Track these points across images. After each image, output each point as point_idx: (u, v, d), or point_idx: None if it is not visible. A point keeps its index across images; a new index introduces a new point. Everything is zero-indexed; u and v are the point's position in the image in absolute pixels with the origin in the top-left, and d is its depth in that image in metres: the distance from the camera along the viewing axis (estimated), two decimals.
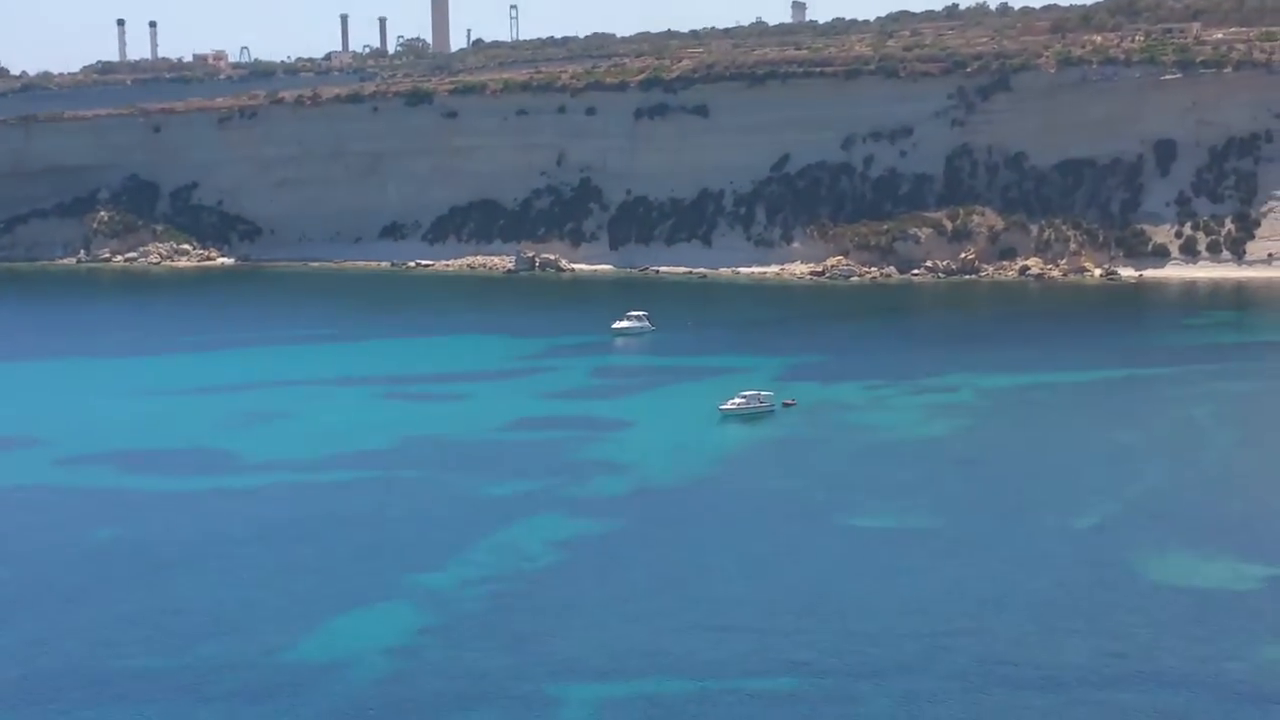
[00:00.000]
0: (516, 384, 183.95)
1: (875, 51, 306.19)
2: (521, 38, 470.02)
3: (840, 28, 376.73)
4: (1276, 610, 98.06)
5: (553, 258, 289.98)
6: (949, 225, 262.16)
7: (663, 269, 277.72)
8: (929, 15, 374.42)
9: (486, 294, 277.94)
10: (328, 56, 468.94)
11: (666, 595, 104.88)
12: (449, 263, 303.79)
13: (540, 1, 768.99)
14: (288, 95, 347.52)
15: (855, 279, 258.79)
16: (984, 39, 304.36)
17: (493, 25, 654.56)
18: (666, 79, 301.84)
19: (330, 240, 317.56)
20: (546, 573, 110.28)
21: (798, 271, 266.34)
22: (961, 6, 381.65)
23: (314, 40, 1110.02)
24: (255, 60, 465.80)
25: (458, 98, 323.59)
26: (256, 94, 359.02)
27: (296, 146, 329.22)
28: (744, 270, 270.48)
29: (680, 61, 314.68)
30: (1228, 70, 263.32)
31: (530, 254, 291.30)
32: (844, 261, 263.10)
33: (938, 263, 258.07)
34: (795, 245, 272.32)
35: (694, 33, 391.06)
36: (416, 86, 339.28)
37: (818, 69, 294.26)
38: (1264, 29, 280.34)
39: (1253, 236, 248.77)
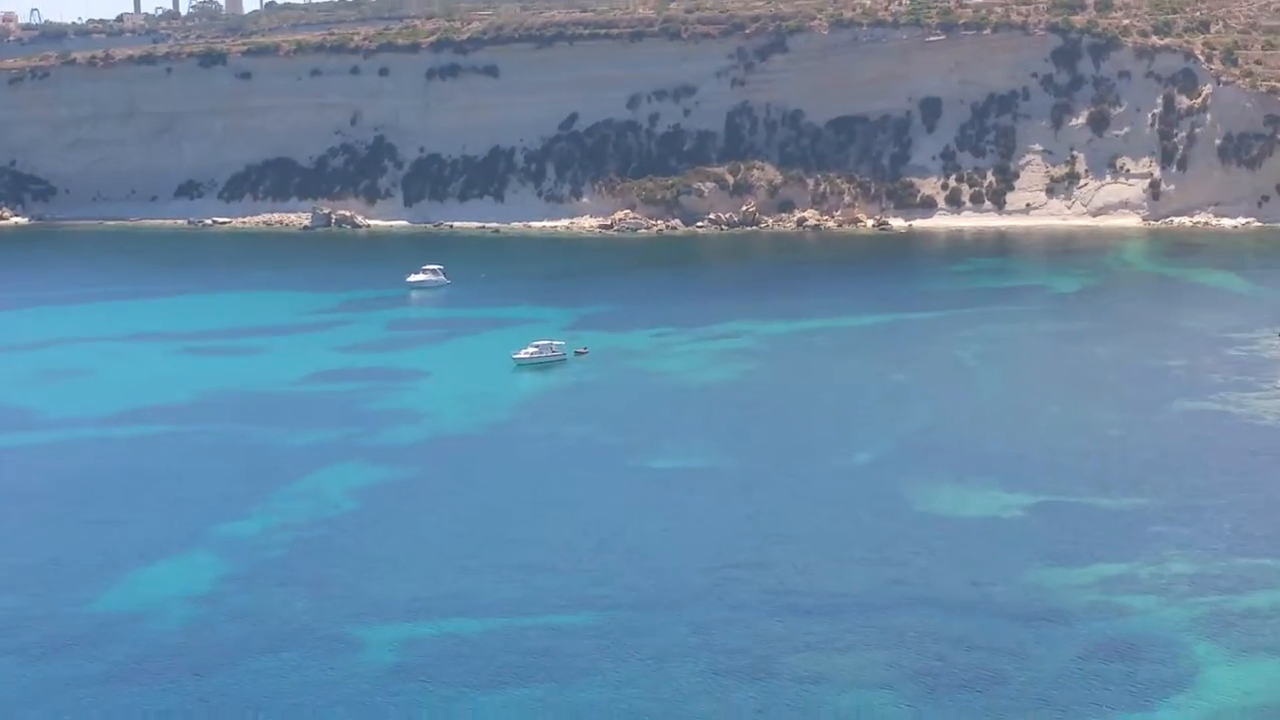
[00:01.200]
0: (314, 338, 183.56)
1: (658, 14, 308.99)
2: (315, 0, 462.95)
3: None
4: (1038, 536, 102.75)
5: (348, 214, 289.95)
6: (730, 180, 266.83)
7: (456, 224, 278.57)
8: None
9: (283, 251, 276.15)
10: (120, 18, 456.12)
11: (467, 537, 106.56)
12: (245, 220, 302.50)
13: None
14: (80, 56, 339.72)
15: (642, 232, 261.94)
16: (761, 3, 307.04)
17: None
18: (457, 40, 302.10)
19: (126, 199, 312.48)
20: (348, 519, 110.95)
21: (587, 225, 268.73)
22: None
23: (106, 2, 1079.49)
24: (46, 22, 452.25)
25: (251, 59, 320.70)
26: (48, 55, 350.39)
27: (90, 107, 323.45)
28: (535, 225, 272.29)
29: (470, 24, 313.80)
30: (987, 32, 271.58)
31: (326, 211, 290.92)
32: (631, 215, 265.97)
33: (720, 215, 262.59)
34: (584, 200, 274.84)
35: None
36: (210, 48, 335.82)
37: (603, 31, 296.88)
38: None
39: (1012, 188, 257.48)
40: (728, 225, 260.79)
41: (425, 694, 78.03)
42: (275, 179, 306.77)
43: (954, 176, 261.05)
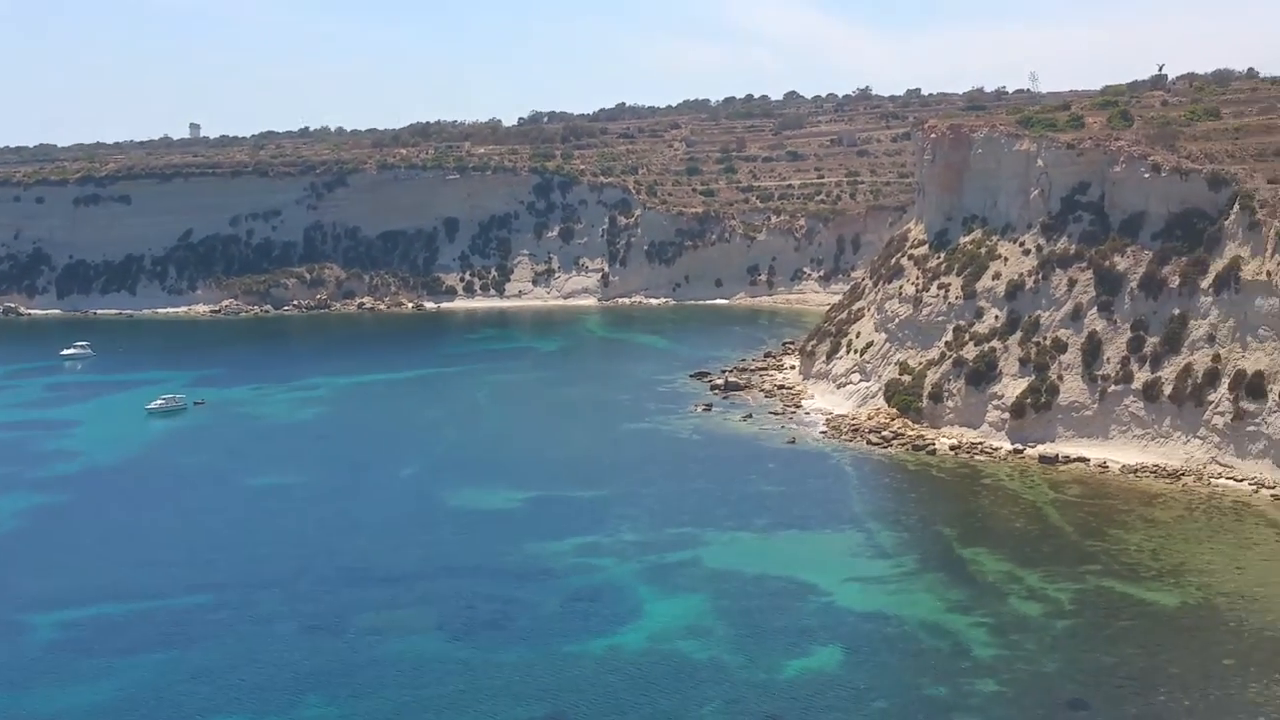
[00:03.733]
0: None
1: (252, 158, 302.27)
2: None
3: (227, 142, 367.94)
4: (534, 519, 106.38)
5: (14, 306, 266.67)
6: (308, 276, 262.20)
7: (99, 312, 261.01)
8: (289, 134, 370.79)
9: None
10: None
11: (112, 543, 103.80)
12: None
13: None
14: None
15: (243, 314, 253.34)
16: (328, 150, 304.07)
17: None
18: (98, 176, 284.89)
19: None
20: (12, 535, 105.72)
21: (201, 311, 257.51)
22: (311, 129, 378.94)
23: None
24: None
25: None
26: None
27: None
28: (161, 311, 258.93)
29: (108, 164, 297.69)
30: (489, 173, 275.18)
31: None
32: (234, 303, 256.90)
33: (300, 302, 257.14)
34: (199, 292, 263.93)
35: (118, 144, 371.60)
36: None
37: (211, 169, 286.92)
38: (511, 146, 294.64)
39: (509, 280, 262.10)
40: (307, 309, 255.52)
41: (81, 662, 75.52)
42: None
43: (469, 272, 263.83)
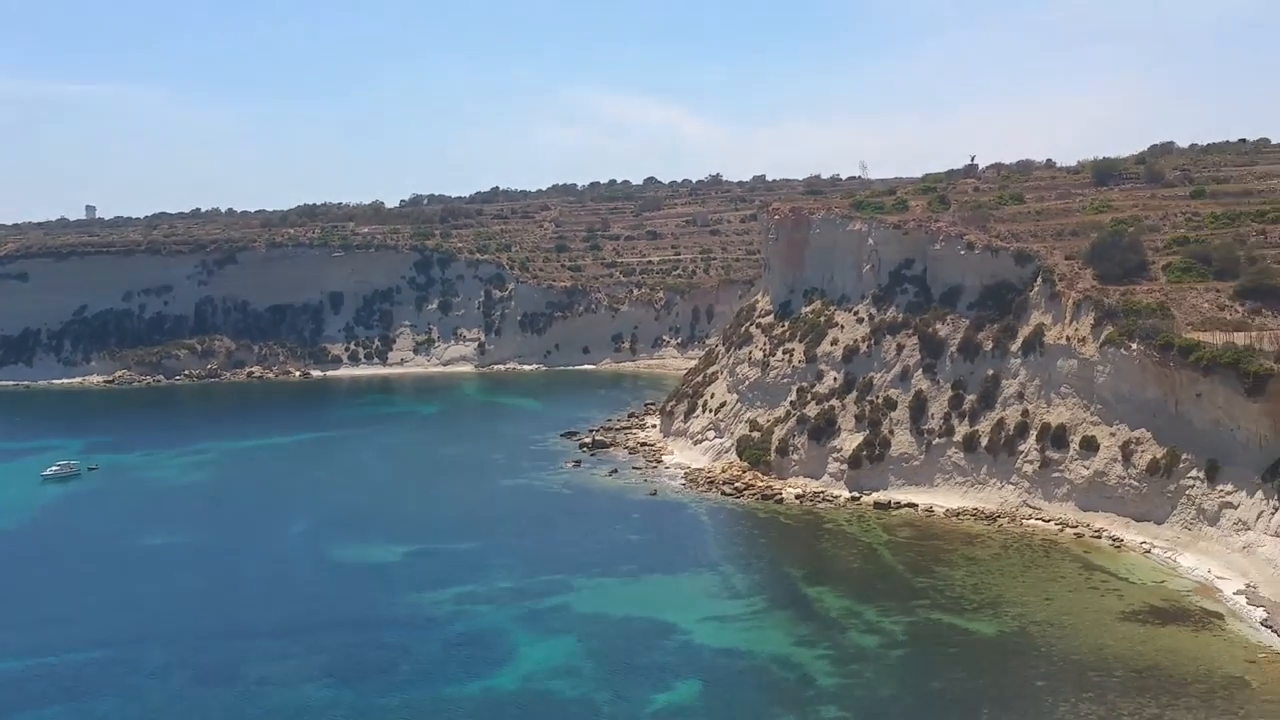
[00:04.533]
0: None
1: (145, 237, 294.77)
2: None
3: (121, 222, 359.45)
4: (415, 571, 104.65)
5: None
6: (199, 347, 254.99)
7: None
8: (181, 215, 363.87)
9: None
10: None
11: (9, 602, 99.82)
12: None
13: None
14: None
15: (136, 384, 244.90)
16: (218, 230, 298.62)
17: None
18: None
19: None
20: None
21: (96, 381, 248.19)
22: (203, 210, 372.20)
23: None
24: None
25: None
26: None
27: None
28: (58, 382, 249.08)
29: (7, 244, 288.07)
30: (372, 250, 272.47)
31: None
32: (128, 374, 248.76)
33: (192, 372, 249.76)
34: (93, 364, 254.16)
35: (16, 225, 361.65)
36: None
37: (105, 249, 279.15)
38: (393, 226, 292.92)
39: (392, 349, 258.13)
40: (198, 378, 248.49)
41: None
42: None
43: (353, 342, 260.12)
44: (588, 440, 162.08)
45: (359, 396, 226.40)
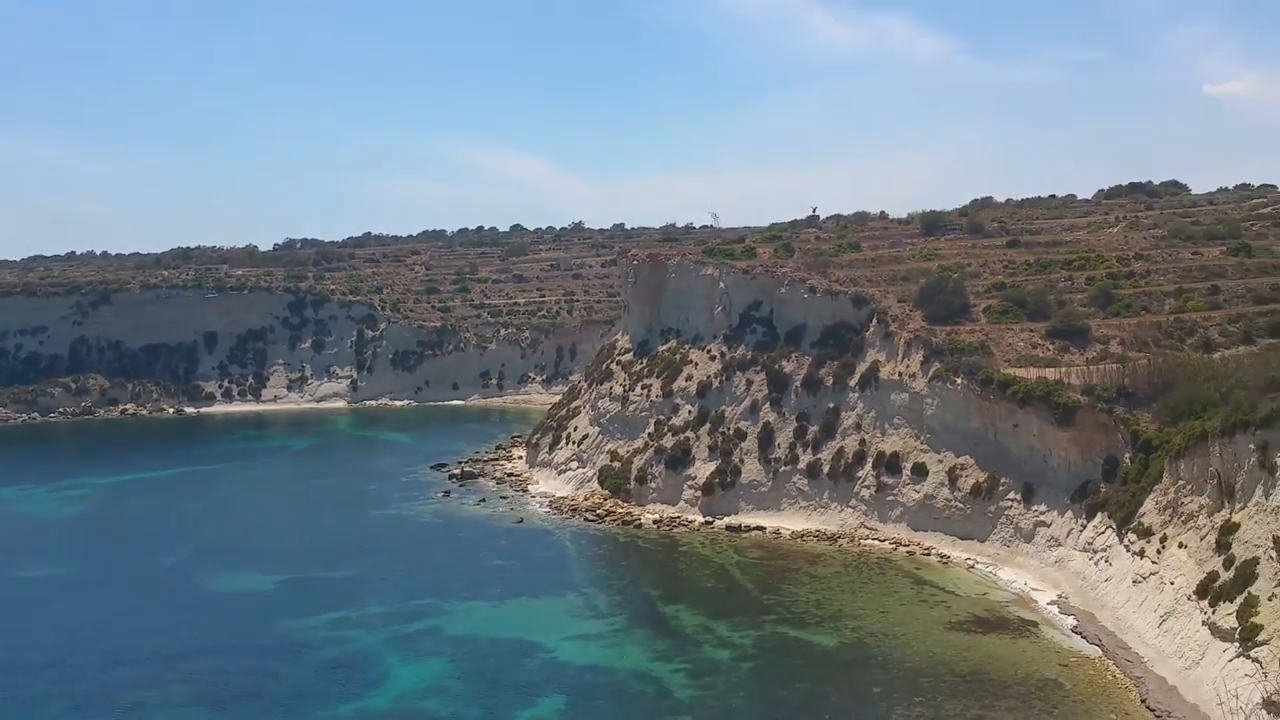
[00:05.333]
0: None
1: (20, 279, 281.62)
2: None
3: None
4: (288, 599, 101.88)
5: None
6: (74, 385, 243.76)
7: None
8: (57, 258, 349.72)
9: None
10: None
11: None
12: None
13: None
14: None
15: (11, 422, 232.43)
16: (93, 272, 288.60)
17: None
18: None
19: None
20: None
21: None
22: (78, 253, 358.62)
23: None
24: None
25: None
26: None
27: None
28: None
29: None
30: (246, 291, 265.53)
31: None
32: (3, 411, 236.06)
33: (66, 409, 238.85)
34: None
35: None
36: None
37: None
38: (266, 269, 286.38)
39: (265, 386, 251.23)
40: (72, 415, 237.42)
41: None
42: None
43: (227, 380, 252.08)
44: (457, 472, 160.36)
45: (233, 432, 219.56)
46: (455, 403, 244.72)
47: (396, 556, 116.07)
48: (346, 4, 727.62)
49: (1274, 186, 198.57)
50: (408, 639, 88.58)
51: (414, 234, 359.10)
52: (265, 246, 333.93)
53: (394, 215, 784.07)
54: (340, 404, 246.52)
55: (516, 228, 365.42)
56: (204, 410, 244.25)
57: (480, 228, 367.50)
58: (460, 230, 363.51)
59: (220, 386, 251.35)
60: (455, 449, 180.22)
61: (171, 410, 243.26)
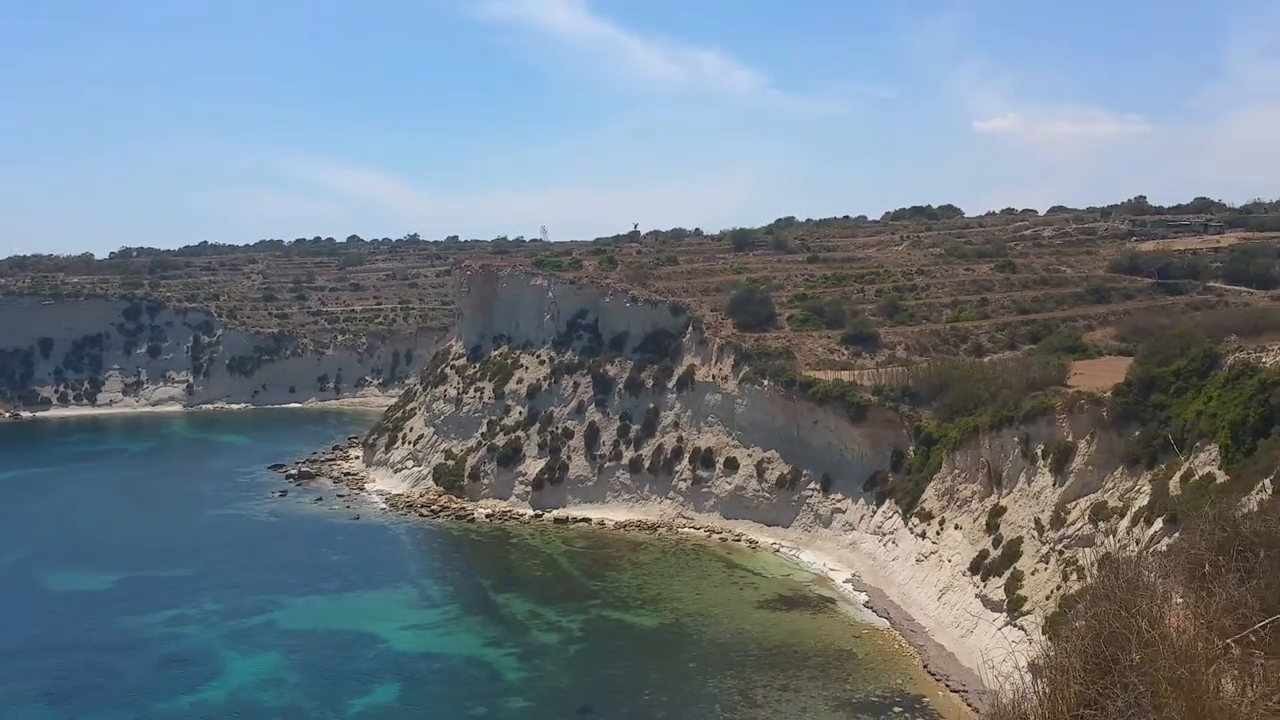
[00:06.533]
0: None
1: None
2: None
3: None
4: (125, 597, 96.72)
5: None
6: None
7: None
8: None
9: None
10: None
11: None
12: None
13: None
14: None
15: None
16: None
17: None
18: None
19: None
20: None
21: None
22: None
23: None
24: None
25: None
26: None
27: None
28: None
29: None
30: (82, 298, 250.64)
31: None
32: None
33: None
34: None
35: None
36: None
37: None
38: (103, 276, 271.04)
39: (101, 390, 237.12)
40: None
41: None
42: None
43: (63, 385, 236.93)
44: (294, 472, 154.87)
45: (68, 435, 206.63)
46: (293, 405, 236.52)
47: (233, 554, 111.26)
48: (181, 14, 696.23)
49: (1034, 211, 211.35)
50: (244, 633, 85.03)
51: (251, 243, 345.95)
52: (101, 255, 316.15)
53: (231, 226, 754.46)
54: (176, 408, 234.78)
55: (354, 238, 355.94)
56: (40, 415, 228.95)
57: (318, 238, 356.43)
58: (298, 240, 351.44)
59: (56, 391, 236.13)
60: (293, 450, 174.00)
61: (7, 415, 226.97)
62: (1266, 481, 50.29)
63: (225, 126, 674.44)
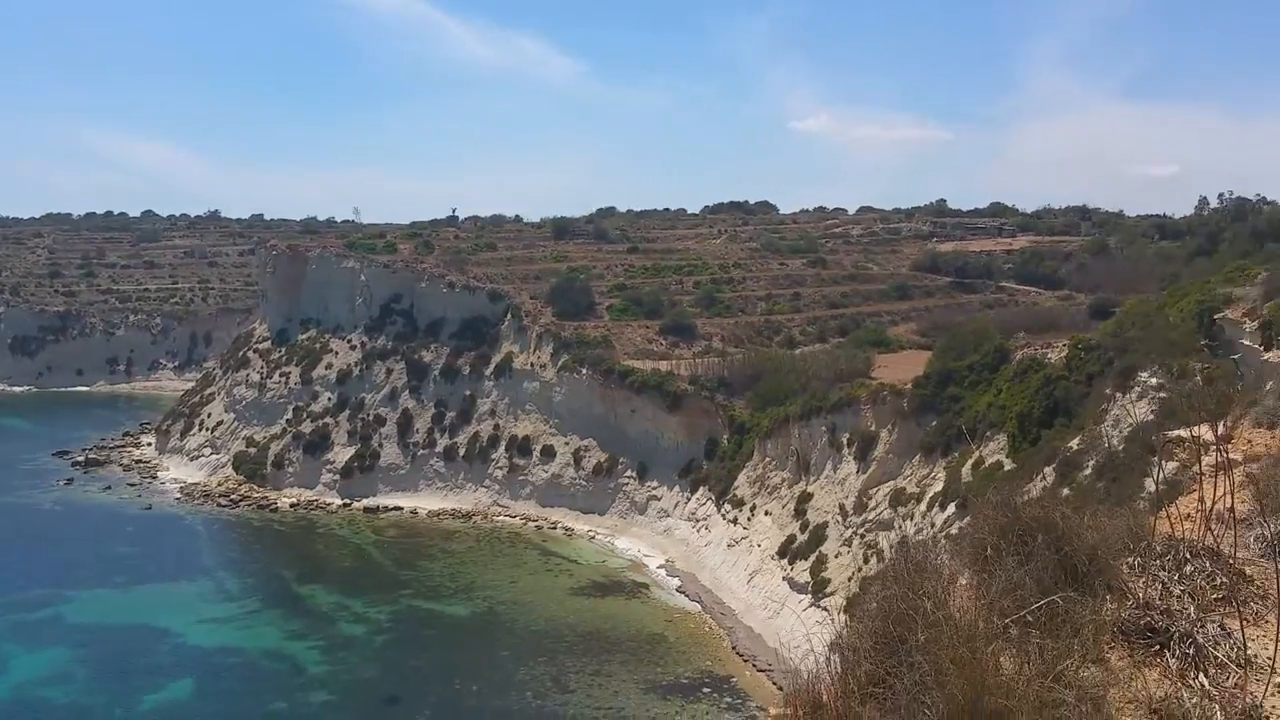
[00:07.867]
0: None
1: None
2: None
3: None
4: None
5: None
6: None
7: None
8: None
9: None
10: None
11: None
12: None
13: None
14: None
15: None
16: None
17: None
18: None
19: None
20: None
21: None
22: None
23: None
24: None
25: None
26: None
27: None
28: None
29: None
30: None
31: None
32: None
33: None
34: None
35: None
36: None
37: None
38: None
39: None
40: None
41: None
42: None
43: None
44: (81, 459, 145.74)
45: None
46: (80, 389, 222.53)
47: (15, 545, 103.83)
48: None
49: (845, 210, 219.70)
50: (28, 628, 79.60)
51: (36, 216, 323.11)
52: None
53: (13, 198, 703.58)
54: None
55: (148, 214, 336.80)
56: None
57: (109, 212, 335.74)
58: (88, 214, 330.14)
59: None
60: (80, 436, 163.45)
61: None
62: (1049, 469, 54.00)
63: (4, 94, 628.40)
